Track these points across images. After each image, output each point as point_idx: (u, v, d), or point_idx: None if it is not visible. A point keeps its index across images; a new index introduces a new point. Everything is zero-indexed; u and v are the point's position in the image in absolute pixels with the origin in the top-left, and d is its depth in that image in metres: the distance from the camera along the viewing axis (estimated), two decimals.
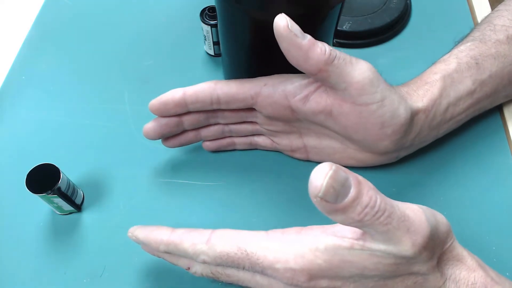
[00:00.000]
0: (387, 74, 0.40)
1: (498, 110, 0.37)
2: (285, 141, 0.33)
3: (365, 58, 0.41)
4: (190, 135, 0.33)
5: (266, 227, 0.32)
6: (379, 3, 0.43)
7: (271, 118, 0.31)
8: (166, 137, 0.33)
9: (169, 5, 0.46)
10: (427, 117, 0.30)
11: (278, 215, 0.32)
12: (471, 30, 0.35)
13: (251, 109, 0.31)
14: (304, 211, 0.32)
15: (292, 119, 0.31)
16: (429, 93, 0.30)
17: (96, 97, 0.39)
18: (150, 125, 0.31)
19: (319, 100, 0.28)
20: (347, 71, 0.26)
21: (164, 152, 0.36)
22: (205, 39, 0.40)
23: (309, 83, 0.29)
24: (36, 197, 0.29)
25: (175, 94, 0.30)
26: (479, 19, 0.43)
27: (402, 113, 0.28)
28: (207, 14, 0.38)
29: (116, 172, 0.35)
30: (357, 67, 0.26)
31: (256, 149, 0.35)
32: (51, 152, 0.36)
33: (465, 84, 0.31)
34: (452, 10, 0.45)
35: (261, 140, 0.34)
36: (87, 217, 0.33)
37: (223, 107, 0.30)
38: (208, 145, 0.34)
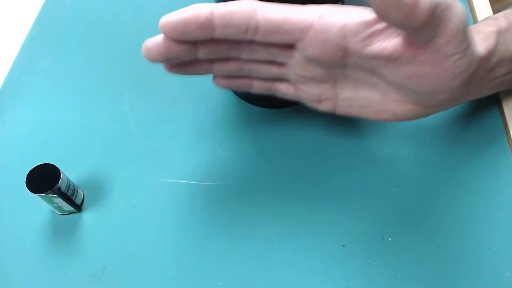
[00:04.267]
0: None
1: (498, 110, 0.37)
2: (314, 91, 0.27)
3: None
4: (200, 67, 0.26)
5: (266, 227, 0.32)
6: None
7: (311, 60, 0.25)
8: (170, 62, 0.26)
9: (169, 5, 0.46)
10: (481, 68, 0.27)
11: (279, 215, 0.32)
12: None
13: (288, 46, 0.25)
14: (304, 211, 0.32)
15: (338, 64, 0.25)
16: (487, 42, 0.27)
17: (96, 97, 0.39)
18: (153, 41, 0.24)
19: (386, 44, 0.22)
20: (446, 18, 0.20)
21: (164, 152, 0.36)
22: None
23: (376, 21, 0.22)
24: (36, 197, 0.29)
25: (200, 13, 0.22)
26: (479, 19, 0.43)
27: (475, 64, 0.24)
28: None
29: (116, 172, 0.35)
30: (455, 11, 0.20)
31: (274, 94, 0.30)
32: (51, 152, 0.36)
33: None
34: None
35: (283, 87, 0.28)
36: (87, 217, 0.33)
37: (258, 38, 0.23)
38: (219, 80, 0.28)
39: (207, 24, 0.22)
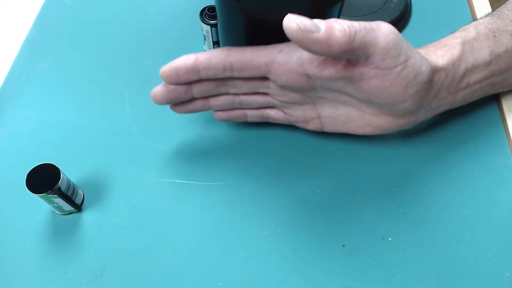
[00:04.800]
0: None
1: (498, 110, 0.37)
2: (299, 112, 0.32)
3: None
4: (198, 103, 0.32)
5: (266, 227, 0.32)
6: (379, 3, 0.43)
7: (285, 87, 0.30)
8: (174, 103, 0.32)
9: (169, 5, 0.46)
10: (447, 76, 0.30)
11: (279, 215, 0.32)
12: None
13: (263, 78, 0.30)
14: (305, 211, 0.32)
15: (307, 88, 0.29)
16: (449, 53, 0.30)
17: (96, 97, 0.39)
18: (158, 89, 0.30)
19: (338, 67, 0.27)
20: (370, 40, 0.24)
21: (164, 152, 0.36)
22: (205, 39, 0.40)
23: None
24: (36, 197, 0.29)
25: (187, 60, 0.29)
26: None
27: (425, 71, 0.27)
28: (207, 14, 0.38)
29: (116, 172, 0.35)
30: (380, 32, 0.25)
31: (268, 122, 0.35)
32: (51, 152, 0.36)
33: (483, 54, 0.31)
34: (452, 10, 0.45)
35: (273, 113, 0.33)
36: (87, 217, 0.33)
37: (235, 74, 0.29)
38: (219, 114, 0.34)
39: (193, 68, 0.29)
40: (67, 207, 0.32)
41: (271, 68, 0.28)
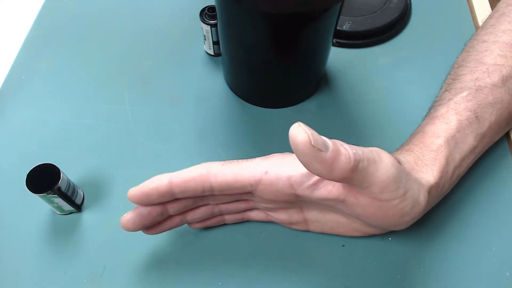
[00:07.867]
0: (387, 74, 0.40)
1: None
2: (283, 216, 0.30)
3: (365, 58, 0.41)
4: (175, 221, 0.29)
5: (266, 227, 0.32)
6: (379, 3, 0.43)
7: (270, 201, 0.28)
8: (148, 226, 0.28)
9: (169, 5, 0.46)
10: (437, 189, 0.28)
11: None
12: (459, 65, 0.34)
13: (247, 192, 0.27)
14: None
15: (294, 201, 0.28)
16: (437, 163, 0.28)
17: (96, 97, 0.39)
18: (128, 217, 0.27)
19: (331, 189, 0.25)
20: (371, 172, 0.23)
21: (164, 152, 0.36)
22: (205, 39, 0.40)
23: None
24: (36, 197, 0.29)
25: (159, 184, 0.25)
26: (479, 19, 0.43)
27: (422, 201, 0.26)
28: (207, 14, 0.38)
29: (116, 172, 0.35)
30: (381, 165, 0.23)
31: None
32: (51, 152, 0.36)
33: (468, 142, 0.30)
34: (452, 10, 0.45)
35: (254, 215, 0.31)
36: (87, 217, 0.33)
37: (216, 193, 0.27)
38: (194, 225, 0.31)
39: (167, 192, 0.26)
40: (67, 207, 0.32)
41: (256, 188, 0.26)
